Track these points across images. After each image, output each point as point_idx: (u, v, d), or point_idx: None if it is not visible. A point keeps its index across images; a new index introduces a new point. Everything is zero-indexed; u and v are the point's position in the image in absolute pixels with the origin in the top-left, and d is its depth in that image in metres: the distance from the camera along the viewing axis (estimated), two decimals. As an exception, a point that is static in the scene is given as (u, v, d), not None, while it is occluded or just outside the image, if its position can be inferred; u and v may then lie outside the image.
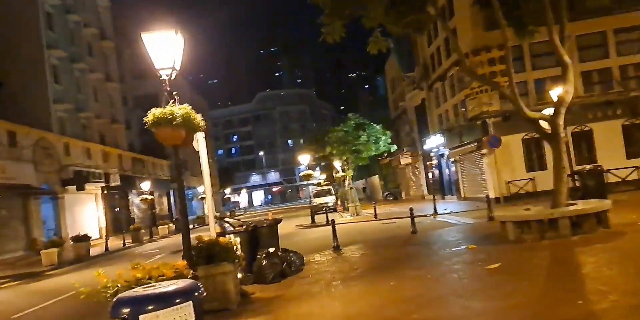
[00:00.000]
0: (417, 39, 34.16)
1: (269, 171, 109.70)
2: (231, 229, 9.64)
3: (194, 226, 42.99)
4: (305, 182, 71.72)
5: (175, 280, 3.71)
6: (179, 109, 5.88)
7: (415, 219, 15.87)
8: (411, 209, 15.54)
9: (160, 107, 5.98)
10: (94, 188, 32.60)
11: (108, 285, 4.18)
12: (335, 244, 13.30)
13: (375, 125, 30.65)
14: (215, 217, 9.89)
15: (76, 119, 31.80)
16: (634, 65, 24.08)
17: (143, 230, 30.89)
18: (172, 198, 58.58)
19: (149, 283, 4.23)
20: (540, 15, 11.10)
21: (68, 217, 28.54)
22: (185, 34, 6.65)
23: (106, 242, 26.14)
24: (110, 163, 35.53)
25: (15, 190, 22.66)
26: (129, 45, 64.30)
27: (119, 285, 4.20)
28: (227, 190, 72.92)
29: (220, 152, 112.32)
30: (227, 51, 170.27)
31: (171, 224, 39.55)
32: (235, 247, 7.76)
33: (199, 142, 8.44)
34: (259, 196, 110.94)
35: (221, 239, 7.79)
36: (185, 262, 4.78)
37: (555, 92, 15.66)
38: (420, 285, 7.41)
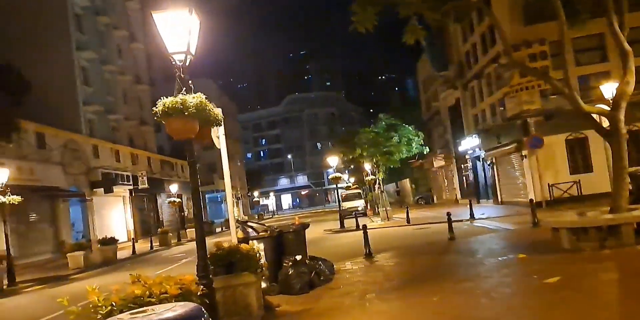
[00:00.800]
0: (451, 36, 32.97)
1: (297, 174, 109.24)
2: (254, 234, 8.85)
3: (222, 229, 42.65)
4: (333, 186, 71.00)
5: (174, 304, 2.93)
6: (192, 98, 5.12)
7: (447, 219, 14.78)
8: (449, 214, 14.51)
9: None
10: (122, 191, 32.54)
11: (99, 305, 3.44)
12: (367, 250, 12.41)
13: (407, 126, 29.57)
14: (237, 221, 9.13)
15: (105, 121, 31.78)
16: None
17: (171, 234, 30.54)
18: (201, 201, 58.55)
19: (149, 302, 3.48)
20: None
21: (96, 219, 28.42)
22: (204, 21, 5.94)
23: (133, 245, 25.83)
24: (139, 165, 35.45)
25: (43, 192, 22.53)
26: (160, 48, 64.93)
27: (114, 303, 3.45)
28: (256, 194, 72.59)
29: (249, 155, 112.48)
30: (256, 55, 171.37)
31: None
32: (258, 255, 6.96)
33: (220, 138, 7.68)
34: (287, 200, 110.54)
35: (243, 245, 7.00)
36: (192, 277, 4.01)
37: (606, 87, 14.38)
38: (468, 302, 6.45)
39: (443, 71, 34.71)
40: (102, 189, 27.96)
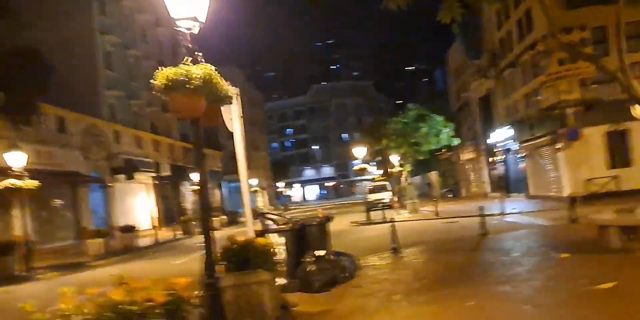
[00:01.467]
0: (485, 23, 31.62)
1: (323, 166, 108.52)
2: (274, 226, 8.20)
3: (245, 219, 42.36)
4: (359, 178, 70.08)
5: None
6: (199, 69, 4.43)
7: (480, 219, 13.91)
8: (481, 208, 13.61)
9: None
10: (145, 178, 32.36)
11: (67, 314, 2.82)
12: (395, 245, 11.67)
13: (436, 116, 28.53)
14: (256, 212, 8.50)
15: (127, 106, 31.53)
16: None
17: (194, 222, 30.27)
18: (223, 190, 58.55)
19: (130, 311, 2.84)
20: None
21: (118, 206, 28.27)
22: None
23: (156, 233, 25.65)
24: (161, 153, 35.24)
25: (64, 178, 22.36)
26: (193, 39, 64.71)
27: (86, 311, 2.82)
28: (280, 184, 72.30)
29: (274, 145, 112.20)
30: (283, 44, 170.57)
31: (224, 217, 39.02)
32: (274, 250, 6.29)
33: (234, 121, 7.01)
34: (312, 191, 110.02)
35: (259, 239, 6.34)
36: (186, 280, 3.35)
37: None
38: (510, 309, 5.67)
39: (476, 60, 33.40)
40: (124, 175, 27.76)
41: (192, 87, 4.23)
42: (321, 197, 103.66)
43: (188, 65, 4.48)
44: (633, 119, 20.96)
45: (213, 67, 4.58)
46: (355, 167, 25.55)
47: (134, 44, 32.78)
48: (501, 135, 29.67)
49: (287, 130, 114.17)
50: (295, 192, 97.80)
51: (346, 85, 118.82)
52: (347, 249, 14.28)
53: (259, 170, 69.02)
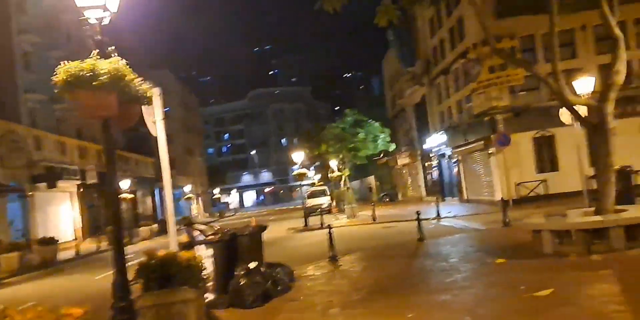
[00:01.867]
0: (419, 31, 32.29)
1: (262, 171, 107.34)
2: (202, 238, 7.63)
3: (179, 228, 40.85)
4: (299, 183, 69.77)
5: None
6: (106, 63, 3.87)
7: (416, 219, 13.90)
8: (418, 213, 13.58)
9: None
10: (69, 186, 30.39)
11: None
12: (332, 253, 11.35)
13: (373, 122, 28.71)
14: (182, 222, 7.89)
15: (50, 111, 29.56)
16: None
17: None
18: (157, 197, 56.40)
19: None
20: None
21: (39, 217, 26.32)
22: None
23: (77, 245, 24.07)
24: (88, 159, 33.29)
25: (-24, 187, 20.47)
26: (120, 39, 62.09)
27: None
28: (216, 190, 70.55)
29: (210, 150, 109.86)
30: (222, 49, 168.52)
31: (154, 225, 37.43)
32: (201, 265, 5.75)
33: (157, 125, 6.42)
34: (250, 197, 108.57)
35: (183, 253, 5.78)
36: (80, 311, 2.80)
37: (580, 82, 13.70)
38: (451, 320, 5.44)
39: (410, 67, 34.04)
40: (45, 183, 25.86)
41: (98, 83, 3.66)
42: (259, 203, 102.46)
43: (95, 59, 3.89)
44: (559, 125, 21.85)
45: (124, 61, 4.02)
46: (294, 172, 25.17)
47: (58, 45, 30.79)
48: (435, 140, 30.31)
49: (224, 135, 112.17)
50: (233, 198, 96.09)
51: (284, 91, 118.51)
52: (284, 258, 13.87)
53: (194, 176, 67.08)
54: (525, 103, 22.06)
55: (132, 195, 31.63)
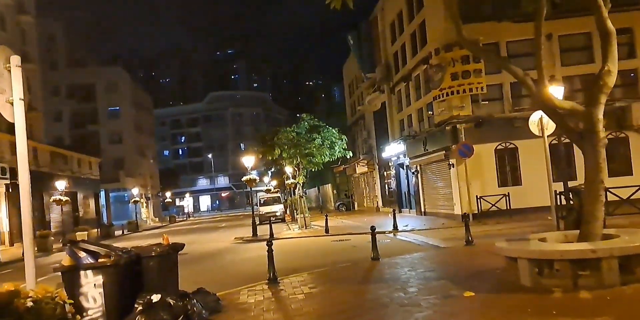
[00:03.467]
0: (380, 35, 31.20)
1: (218, 175, 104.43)
2: (91, 260, 5.85)
3: (123, 233, 38.26)
4: (256, 189, 67.76)
5: None
6: None
7: (371, 235, 12.47)
8: (373, 229, 12.10)
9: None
10: (-4, 185, 27.64)
11: None
12: (272, 274, 9.73)
13: (331, 128, 27.29)
14: (66, 241, 6.11)
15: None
16: (620, 72, 21.78)
17: (52, 237, 26.14)
18: (101, 200, 53.14)
19: None
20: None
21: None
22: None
23: (-1, 251, 21.49)
24: (21, 157, 30.47)
25: None
26: (65, 30, 58.66)
27: None
28: (168, 194, 67.50)
29: (166, 152, 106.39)
30: (183, 51, 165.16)
31: (94, 230, 34.76)
32: (63, 304, 4.02)
33: (15, 106, 4.72)
34: (206, 201, 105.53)
35: (36, 290, 4.03)
36: None
37: (556, 89, 12.52)
38: None
39: (370, 73, 32.90)
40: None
41: None
42: (215, 208, 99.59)
43: None
44: (522, 137, 21.05)
45: None
46: (244, 178, 23.39)
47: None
48: (394, 149, 29.17)
49: (181, 137, 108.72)
50: (187, 203, 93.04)
51: (244, 95, 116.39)
52: (218, 276, 12.14)
53: (145, 178, 63.97)
54: (488, 113, 21.15)
55: (66, 198, 28.95)
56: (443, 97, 21.33)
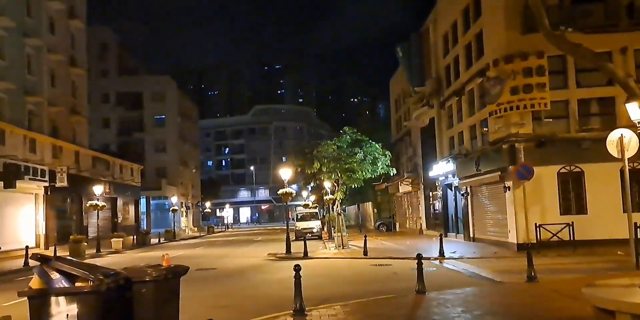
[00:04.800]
0: (432, 47, 29.64)
1: (259, 188, 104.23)
2: (64, 284, 4.60)
3: (159, 241, 37.75)
4: (296, 203, 66.64)
5: None
6: None
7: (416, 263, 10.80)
8: (419, 257, 10.45)
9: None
10: (34, 187, 27.48)
11: None
12: (298, 304, 8.29)
13: (374, 143, 25.73)
14: (36, 257, 4.86)
15: (21, 102, 26.78)
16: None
17: (85, 243, 25.64)
18: (142, 207, 53.25)
19: None
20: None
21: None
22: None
23: (26, 253, 20.94)
24: (62, 160, 30.40)
25: None
26: (118, 40, 59.99)
27: None
28: (207, 204, 67.28)
29: (209, 163, 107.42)
30: (232, 65, 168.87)
31: (130, 237, 34.26)
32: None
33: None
34: (246, 213, 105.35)
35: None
36: None
37: (633, 107, 10.67)
38: None
39: (419, 87, 31.29)
40: (1, 182, 22.95)
41: None
42: (255, 221, 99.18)
43: None
44: (590, 160, 19.01)
45: None
46: (280, 191, 22.16)
47: (36, 32, 28.22)
48: (442, 168, 27.30)
49: (225, 149, 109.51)
50: (227, 214, 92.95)
51: (288, 109, 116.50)
52: (239, 300, 10.76)
53: (186, 187, 64.04)
54: (551, 132, 19.13)
55: (103, 203, 28.55)
56: (500, 112, 19.49)
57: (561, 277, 12.02)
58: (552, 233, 17.60)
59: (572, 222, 17.66)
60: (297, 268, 8.61)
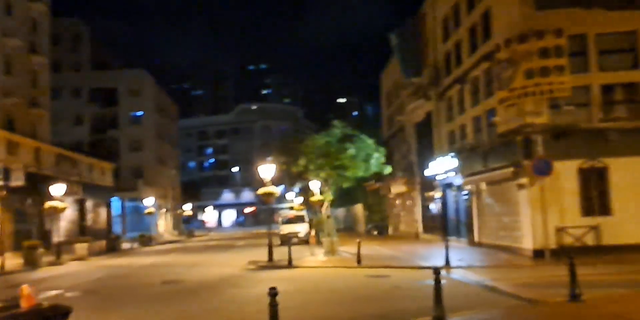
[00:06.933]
0: (429, 33, 27.17)
1: (244, 190, 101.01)
2: None
3: (131, 247, 34.77)
4: (282, 204, 63.79)
5: None
6: None
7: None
8: (437, 272, 7.82)
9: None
10: (-15, 187, 24.38)
11: None
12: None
13: (366, 138, 23.20)
14: None
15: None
16: None
17: (42, 249, 22.69)
18: (116, 210, 49.99)
19: None
20: None
21: None
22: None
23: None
24: (20, 157, 27.34)
25: None
26: (92, 33, 56.73)
27: None
28: (187, 206, 63.99)
29: (191, 164, 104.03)
30: (216, 64, 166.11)
31: (100, 242, 31.21)
32: None
33: None
34: (230, 216, 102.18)
35: None
36: None
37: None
38: None
39: (415, 77, 28.80)
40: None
41: None
42: (239, 224, 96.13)
43: None
44: (615, 153, 16.65)
45: None
46: (260, 190, 19.45)
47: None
48: (442, 166, 24.71)
49: (207, 149, 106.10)
50: (210, 217, 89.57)
51: (274, 108, 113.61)
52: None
53: (165, 188, 60.81)
54: (571, 122, 16.72)
55: (65, 205, 25.48)
56: (514, 99, 17.04)
57: (607, 294, 9.61)
58: (574, 237, 15.11)
59: (598, 225, 15.22)
60: (273, 293, 5.94)
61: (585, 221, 15.89)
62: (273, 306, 5.95)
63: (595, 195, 16.50)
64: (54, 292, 13.27)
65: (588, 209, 16.38)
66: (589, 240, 15.16)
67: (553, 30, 16.58)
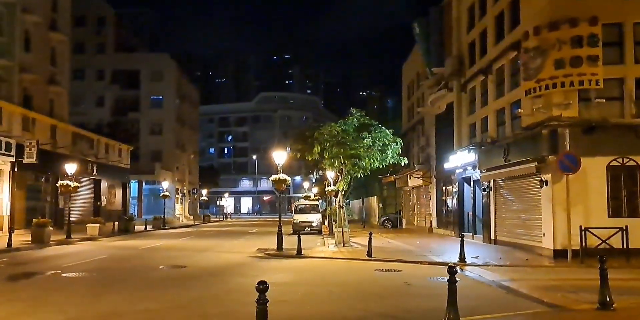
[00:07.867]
0: (454, 22, 26.10)
1: (262, 178, 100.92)
2: None
3: (145, 228, 34.69)
4: (298, 195, 63.49)
5: None
6: None
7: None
8: (452, 272, 7.13)
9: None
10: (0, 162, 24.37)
11: None
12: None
13: (384, 128, 22.35)
14: None
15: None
16: None
17: (51, 228, 22.56)
18: (133, 192, 50.15)
19: None
20: None
21: None
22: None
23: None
24: (35, 134, 27.23)
25: None
26: (115, 16, 56.67)
27: None
28: (204, 192, 63.97)
29: (211, 150, 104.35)
30: (240, 54, 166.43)
31: (111, 223, 31.10)
32: None
33: None
34: (247, 203, 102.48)
35: None
36: None
37: None
38: None
39: (437, 67, 27.82)
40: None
41: None
42: (256, 211, 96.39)
43: None
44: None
45: None
46: (272, 178, 18.96)
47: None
48: (460, 159, 23.92)
49: (228, 136, 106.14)
50: (227, 203, 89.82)
51: (295, 97, 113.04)
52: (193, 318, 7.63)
53: (182, 173, 60.88)
54: (602, 116, 15.73)
55: (76, 184, 25.28)
56: (541, 90, 16.10)
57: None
58: (601, 239, 14.22)
59: (626, 227, 14.29)
60: (262, 288, 5.31)
61: (612, 222, 14.95)
62: (261, 304, 5.34)
63: (624, 195, 15.54)
64: (50, 272, 12.95)
65: (616, 210, 15.44)
66: (616, 242, 14.22)
67: (588, 17, 15.55)
